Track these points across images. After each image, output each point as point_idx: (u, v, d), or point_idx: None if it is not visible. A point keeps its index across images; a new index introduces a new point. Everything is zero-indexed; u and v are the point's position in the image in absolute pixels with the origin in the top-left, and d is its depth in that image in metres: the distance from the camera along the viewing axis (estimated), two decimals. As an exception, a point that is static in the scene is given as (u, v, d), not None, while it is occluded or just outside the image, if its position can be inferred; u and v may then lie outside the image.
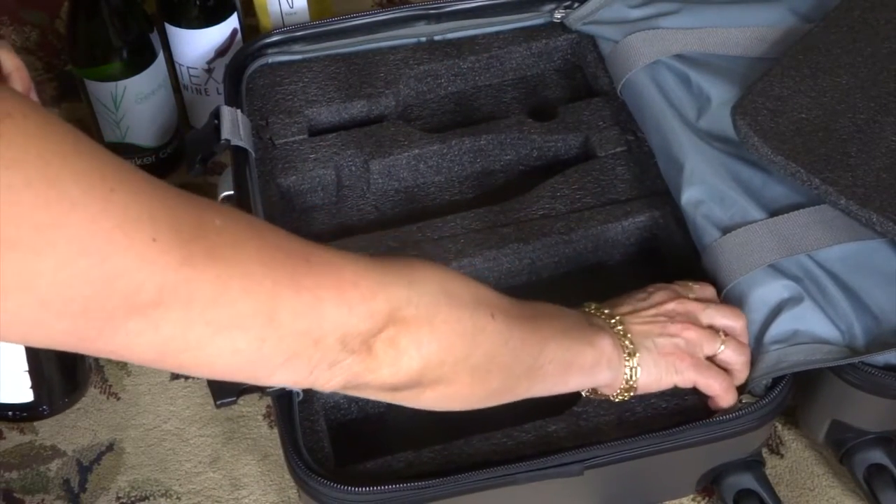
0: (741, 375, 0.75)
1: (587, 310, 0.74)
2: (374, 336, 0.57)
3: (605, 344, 0.70)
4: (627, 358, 0.71)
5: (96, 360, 0.91)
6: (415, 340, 0.58)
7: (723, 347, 0.74)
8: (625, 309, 0.74)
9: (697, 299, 0.76)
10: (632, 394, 0.73)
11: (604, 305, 0.74)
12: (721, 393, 0.74)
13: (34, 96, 0.82)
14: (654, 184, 0.89)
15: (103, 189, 0.46)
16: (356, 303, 0.56)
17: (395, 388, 0.60)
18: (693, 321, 0.74)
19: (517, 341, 0.64)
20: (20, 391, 0.84)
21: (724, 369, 0.75)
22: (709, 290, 0.78)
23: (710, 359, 0.75)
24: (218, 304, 0.50)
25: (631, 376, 0.71)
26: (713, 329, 0.75)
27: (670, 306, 0.75)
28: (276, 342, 0.53)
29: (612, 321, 0.72)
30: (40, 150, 0.45)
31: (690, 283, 0.78)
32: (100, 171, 0.47)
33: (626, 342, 0.71)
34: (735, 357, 0.75)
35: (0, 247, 0.43)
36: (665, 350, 0.73)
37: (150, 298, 0.48)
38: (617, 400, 0.74)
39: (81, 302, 0.46)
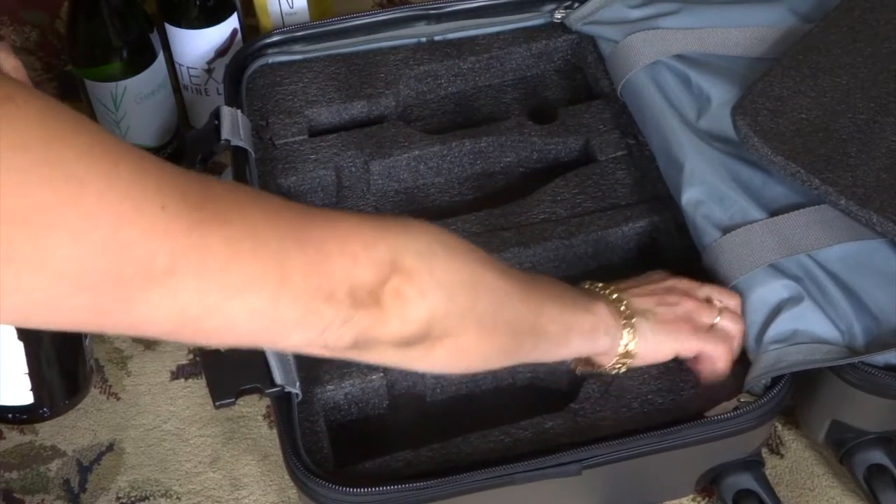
0: (737, 347, 0.77)
1: (584, 286, 0.75)
2: (380, 287, 0.57)
3: (602, 311, 0.71)
4: (624, 322, 0.72)
5: (96, 360, 0.91)
6: (419, 290, 0.59)
7: (719, 318, 0.76)
8: (622, 285, 0.76)
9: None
10: (629, 362, 0.74)
11: (599, 282, 0.76)
12: (723, 355, 0.75)
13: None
14: (654, 188, 0.89)
15: (107, 164, 0.47)
16: (359, 252, 0.57)
17: (405, 343, 0.60)
18: (690, 294, 0.76)
19: (516, 298, 0.65)
20: (20, 393, 0.84)
21: None
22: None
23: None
24: (230, 269, 0.52)
25: (628, 342, 0.72)
26: (709, 300, 0.77)
27: (667, 283, 0.77)
28: (290, 300, 0.54)
29: (607, 291, 0.74)
30: (42, 131, 0.46)
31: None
32: (103, 148, 0.48)
33: (623, 307, 0.73)
34: (732, 325, 0.76)
35: (11, 226, 0.44)
36: (665, 318, 0.74)
37: (164, 266, 0.49)
38: (615, 371, 0.74)
39: (97, 274, 0.47)
